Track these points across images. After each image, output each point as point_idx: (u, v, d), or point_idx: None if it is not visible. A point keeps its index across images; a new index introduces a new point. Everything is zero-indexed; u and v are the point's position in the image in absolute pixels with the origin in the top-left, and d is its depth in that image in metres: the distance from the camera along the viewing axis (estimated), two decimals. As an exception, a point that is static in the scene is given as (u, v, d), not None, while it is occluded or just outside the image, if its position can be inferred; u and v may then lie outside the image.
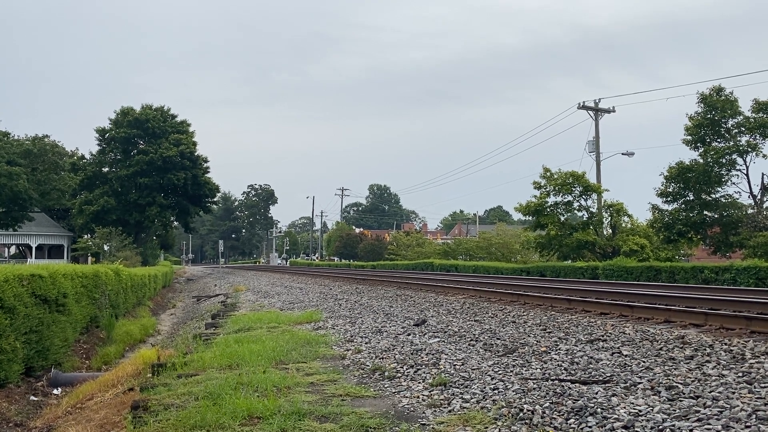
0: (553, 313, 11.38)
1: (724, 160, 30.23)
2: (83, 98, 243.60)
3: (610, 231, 35.13)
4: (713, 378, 5.78)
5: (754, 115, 30.04)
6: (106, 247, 48.44)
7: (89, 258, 50.63)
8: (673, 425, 4.56)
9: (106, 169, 56.56)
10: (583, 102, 38.77)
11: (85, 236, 54.97)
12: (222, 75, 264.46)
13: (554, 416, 5.09)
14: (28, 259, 57.29)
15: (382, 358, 8.18)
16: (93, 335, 16.52)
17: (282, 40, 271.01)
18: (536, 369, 6.82)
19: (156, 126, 55.05)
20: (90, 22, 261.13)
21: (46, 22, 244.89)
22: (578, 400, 5.39)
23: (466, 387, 6.28)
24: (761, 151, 29.75)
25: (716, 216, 31.23)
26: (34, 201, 53.66)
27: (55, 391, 10.86)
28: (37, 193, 54.53)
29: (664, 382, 5.75)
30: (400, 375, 7.14)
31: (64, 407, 9.00)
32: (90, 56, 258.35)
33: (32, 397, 10.28)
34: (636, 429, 4.60)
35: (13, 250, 67.86)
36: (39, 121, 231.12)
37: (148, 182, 53.64)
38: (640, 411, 4.97)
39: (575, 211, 35.77)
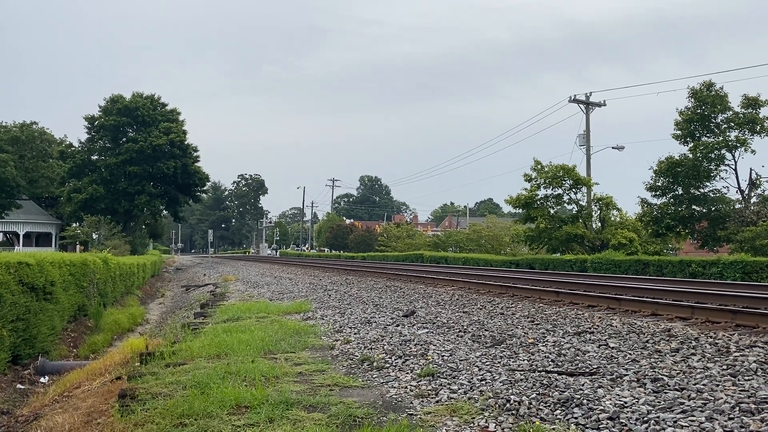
0: (541, 305, 11.44)
1: (713, 155, 30.45)
2: (72, 86, 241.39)
3: (599, 224, 35.32)
4: (698, 370, 5.84)
5: (743, 110, 30.25)
6: (94, 236, 48.16)
7: (78, 246, 50.33)
8: (658, 416, 4.60)
9: (95, 157, 56.03)
10: (574, 95, 38.82)
11: (74, 224, 54.58)
12: (213, 67, 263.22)
13: (541, 407, 5.13)
14: (16, 247, 56.77)
15: (371, 349, 8.20)
16: (81, 324, 16.44)
17: (274, 32, 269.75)
18: (524, 360, 6.86)
19: (146, 114, 54.60)
20: (80, 10, 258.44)
21: (35, 10, 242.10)
22: (565, 392, 5.43)
23: (454, 378, 6.31)
24: (750, 147, 30.01)
25: (704, 210, 31.48)
26: (21, 188, 53.22)
27: (42, 380, 10.80)
28: (25, 180, 54.09)
29: (649, 374, 5.80)
30: (388, 365, 7.16)
31: (51, 395, 8.95)
32: (79, 44, 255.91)
33: (19, 386, 10.22)
34: (621, 420, 4.64)
35: (0, 237, 67.28)
36: (26, 107, 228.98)
37: (138, 171, 53.25)
38: (625, 402, 5.01)
39: (565, 205, 35.94)
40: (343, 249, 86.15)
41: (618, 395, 5.22)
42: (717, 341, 7.09)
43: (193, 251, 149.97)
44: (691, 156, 30.78)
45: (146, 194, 53.81)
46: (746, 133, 30.21)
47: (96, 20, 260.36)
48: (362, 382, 6.45)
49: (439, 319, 10.33)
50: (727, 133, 30.52)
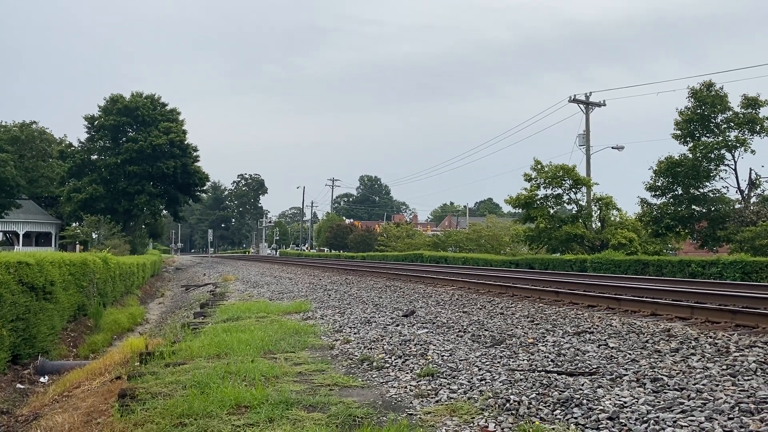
0: (541, 305, 11.44)
1: (712, 155, 30.44)
2: (71, 86, 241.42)
3: (599, 224, 35.31)
4: (698, 370, 5.84)
5: (743, 110, 30.24)
6: (94, 235, 48.14)
7: (77, 246, 50.33)
8: (658, 416, 4.61)
9: (94, 157, 55.98)
10: (574, 95, 38.81)
11: (74, 224, 54.56)
12: (213, 67, 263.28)
13: (540, 407, 5.13)
14: (15, 247, 56.73)
15: (371, 349, 8.20)
16: (81, 323, 16.44)
17: (274, 32, 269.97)
18: (523, 360, 6.86)
19: (146, 114, 54.57)
20: (80, 9, 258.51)
21: (35, 9, 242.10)
22: (564, 392, 5.43)
23: (454, 377, 6.31)
24: (749, 147, 30.00)
25: (704, 210, 31.48)
26: (21, 188, 53.17)
27: (42, 379, 10.80)
28: (25, 180, 54.04)
29: (649, 374, 5.81)
30: (388, 365, 7.17)
31: (51, 395, 8.95)
32: (79, 43, 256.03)
33: (19, 385, 10.23)
34: (621, 420, 4.64)
35: (0, 237, 67.25)
36: (26, 107, 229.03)
37: (138, 170, 53.22)
38: (625, 402, 5.01)
39: (565, 204, 35.94)
40: (342, 249, 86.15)
41: (618, 395, 5.22)
42: (717, 341, 7.09)
43: (192, 251, 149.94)
44: (690, 156, 30.77)
45: (146, 194, 53.79)
46: (746, 133, 30.20)
47: (96, 19, 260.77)
48: (362, 382, 6.45)
49: (438, 318, 10.34)
50: (727, 133, 30.51)
